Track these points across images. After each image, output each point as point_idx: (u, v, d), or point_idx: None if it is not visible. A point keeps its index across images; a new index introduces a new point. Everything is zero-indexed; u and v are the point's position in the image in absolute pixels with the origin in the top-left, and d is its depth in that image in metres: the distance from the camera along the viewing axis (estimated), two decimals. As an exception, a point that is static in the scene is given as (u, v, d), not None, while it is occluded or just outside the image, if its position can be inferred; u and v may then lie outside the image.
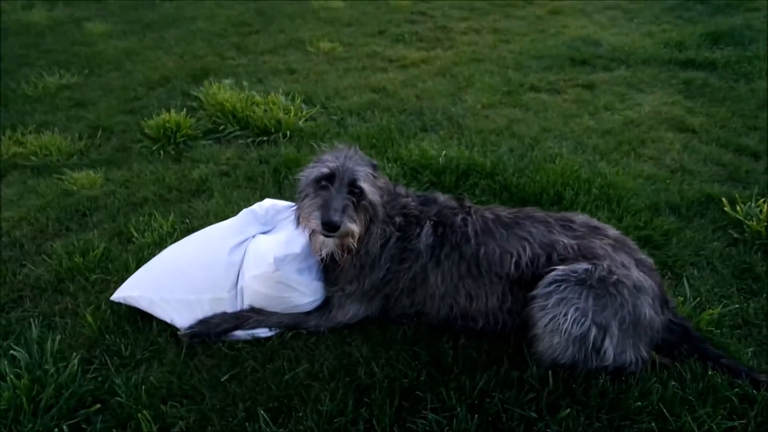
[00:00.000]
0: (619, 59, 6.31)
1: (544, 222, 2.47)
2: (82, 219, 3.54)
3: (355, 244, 2.35)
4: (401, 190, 2.64)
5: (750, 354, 2.45)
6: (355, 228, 2.28)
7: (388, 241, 2.43)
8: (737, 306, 2.72)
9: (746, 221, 3.33)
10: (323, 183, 2.30)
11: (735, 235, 3.29)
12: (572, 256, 2.32)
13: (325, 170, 2.29)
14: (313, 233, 2.38)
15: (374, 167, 2.46)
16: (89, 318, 2.60)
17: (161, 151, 4.29)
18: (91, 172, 4.00)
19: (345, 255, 2.40)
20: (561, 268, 2.26)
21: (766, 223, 3.24)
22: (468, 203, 2.60)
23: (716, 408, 2.14)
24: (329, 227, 2.20)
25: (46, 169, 4.13)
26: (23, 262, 3.10)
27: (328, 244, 2.34)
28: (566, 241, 2.37)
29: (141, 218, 3.42)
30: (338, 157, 2.35)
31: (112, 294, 2.69)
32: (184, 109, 4.71)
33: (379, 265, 2.47)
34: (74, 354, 2.41)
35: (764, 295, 2.81)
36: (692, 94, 5.46)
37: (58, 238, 3.33)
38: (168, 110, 4.60)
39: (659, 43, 6.69)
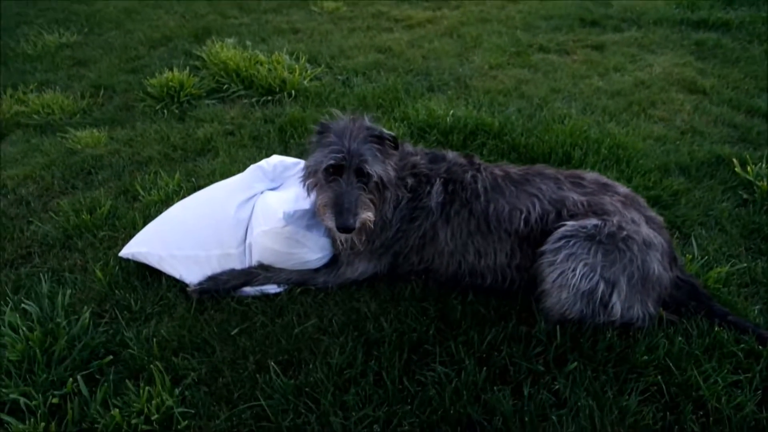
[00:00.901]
0: (630, 20, 6.17)
1: (554, 179, 2.45)
2: (87, 177, 3.53)
3: (372, 224, 2.34)
4: (409, 147, 2.61)
5: (756, 312, 2.46)
6: (370, 215, 2.27)
7: (399, 203, 2.42)
8: (745, 265, 2.72)
9: (756, 182, 3.31)
10: (332, 173, 2.26)
11: (744, 196, 3.27)
12: (582, 212, 2.31)
13: (332, 162, 2.24)
14: (329, 228, 2.36)
15: (381, 138, 2.36)
16: (99, 273, 2.61)
17: (165, 111, 4.24)
18: (94, 130, 3.97)
19: (364, 236, 2.39)
20: (570, 224, 2.25)
21: (776, 184, 3.22)
22: (477, 160, 2.57)
23: (722, 363, 2.16)
24: (345, 230, 2.21)
25: (49, 128, 4.10)
26: (30, 219, 3.10)
27: (348, 237, 2.33)
28: (576, 197, 2.36)
29: (147, 176, 3.41)
30: (343, 137, 2.28)
31: (120, 250, 2.70)
32: (187, 69, 4.65)
33: (390, 225, 2.47)
34: (85, 308, 2.43)
35: (772, 255, 2.81)
36: (704, 56, 5.36)
37: (64, 196, 3.33)
38: (171, 69, 4.54)
39: (671, 3, 6.54)
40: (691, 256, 2.70)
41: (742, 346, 2.22)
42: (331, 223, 2.23)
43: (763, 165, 3.43)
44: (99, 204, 3.14)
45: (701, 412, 1.99)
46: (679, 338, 2.25)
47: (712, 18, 5.98)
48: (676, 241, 2.88)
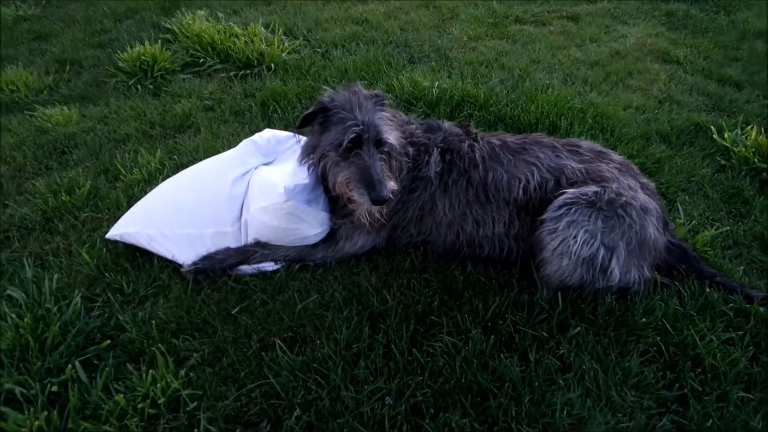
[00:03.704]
0: (602, -10, 6.19)
1: (552, 147, 2.47)
2: (61, 157, 3.37)
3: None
4: (403, 116, 2.58)
5: (741, 272, 2.57)
6: (394, 185, 2.23)
7: (401, 172, 2.39)
8: (728, 228, 2.82)
9: (733, 148, 3.41)
10: (351, 147, 2.21)
11: (723, 162, 3.37)
12: (581, 180, 2.34)
13: (353, 135, 2.19)
14: (354, 203, 2.28)
15: (382, 100, 2.37)
16: (86, 256, 2.51)
17: (138, 86, 4.06)
18: (64, 108, 3.78)
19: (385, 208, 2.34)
20: (571, 191, 2.27)
21: (753, 150, 3.32)
22: (473, 130, 2.56)
23: (715, 322, 2.25)
24: (380, 202, 2.16)
25: (16, 106, 3.88)
26: (5, 202, 2.95)
27: (375, 210, 2.28)
28: (575, 165, 2.38)
29: (126, 155, 3.28)
30: (354, 110, 2.23)
31: (106, 232, 2.60)
32: (159, 42, 4.45)
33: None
34: (76, 292, 2.34)
35: (752, 218, 2.92)
36: (675, 26, 5.45)
37: (39, 177, 3.17)
38: (141, 43, 4.33)
39: (641, -27, 6.57)
40: (680, 221, 2.77)
41: (731, 305, 2.31)
42: (362, 198, 2.19)
43: (738, 131, 3.54)
44: (78, 184, 3.00)
45: (699, 370, 2.08)
46: (674, 300, 2.32)
47: (681, -12, 6.07)
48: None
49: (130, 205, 2.72)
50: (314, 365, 2.06)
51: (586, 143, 2.51)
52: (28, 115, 3.73)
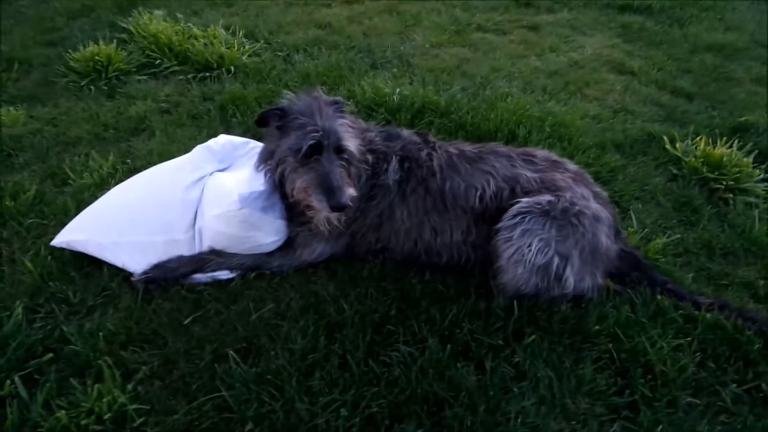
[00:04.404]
0: (562, 1, 6.33)
1: (507, 156, 2.49)
2: (7, 160, 3.21)
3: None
4: (363, 124, 2.57)
5: (690, 279, 2.64)
6: (353, 192, 2.22)
7: (359, 180, 2.37)
8: (679, 236, 2.90)
9: (684, 158, 3.53)
10: (311, 154, 2.18)
11: (674, 171, 3.47)
12: (535, 189, 2.37)
13: (312, 142, 2.17)
14: (312, 209, 2.27)
15: (343, 107, 2.36)
16: (29, 265, 2.40)
17: (91, 87, 3.92)
18: (11, 108, 3.62)
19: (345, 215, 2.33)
20: (525, 200, 2.30)
21: (702, 160, 3.44)
22: (432, 138, 2.57)
23: (665, 329, 2.30)
24: (339, 209, 2.15)
25: (-42, 105, 3.70)
26: (-58, 208, 2.79)
27: (334, 217, 2.27)
28: (529, 174, 2.41)
29: (76, 158, 3.16)
30: (314, 116, 2.21)
31: (51, 239, 2.50)
32: (114, 42, 4.31)
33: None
34: (17, 303, 2.23)
35: (701, 226, 3.01)
36: (630, 38, 5.60)
37: (-20, 181, 3.02)
38: (96, 42, 4.20)
39: (599, -15, 6.75)
40: (632, 229, 2.84)
41: (681, 312, 2.37)
42: (321, 204, 2.16)
43: (689, 142, 3.66)
44: (23, 189, 2.87)
45: (649, 376, 2.12)
46: (626, 307, 2.37)
47: (635, 2, 6.24)
48: (616, 215, 3.02)
49: (78, 211, 2.61)
50: (268, 377, 2.01)
51: (541, 153, 2.54)
52: (-29, 115, 3.56)
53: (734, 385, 2.12)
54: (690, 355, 2.20)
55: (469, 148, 2.54)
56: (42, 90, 3.94)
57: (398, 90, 3.84)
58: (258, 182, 2.34)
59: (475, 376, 2.05)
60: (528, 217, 2.25)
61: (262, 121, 2.32)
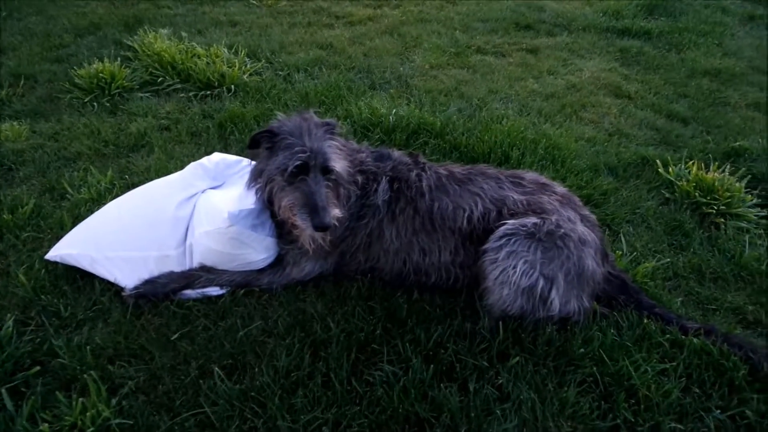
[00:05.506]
0: (561, 25, 6.43)
1: (496, 178, 2.52)
2: (8, 173, 3.28)
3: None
4: (355, 145, 2.61)
5: (679, 303, 2.65)
6: (338, 213, 2.26)
7: (349, 200, 2.40)
8: (668, 260, 2.91)
9: (677, 182, 3.55)
10: (297, 173, 2.22)
11: (667, 195, 3.49)
12: (522, 211, 2.39)
13: (299, 162, 2.21)
14: (297, 228, 2.31)
15: (333, 129, 2.39)
16: (22, 278, 2.44)
17: (94, 103, 4.01)
18: (15, 123, 3.69)
19: (330, 235, 2.37)
20: (511, 222, 2.32)
21: (694, 184, 3.46)
22: (422, 159, 2.61)
23: (650, 353, 2.30)
24: (322, 229, 2.18)
25: (-37, 120, 3.78)
26: (-58, 220, 2.85)
27: (318, 236, 2.30)
28: (516, 196, 2.44)
29: (75, 173, 3.22)
30: (303, 136, 2.25)
31: (46, 252, 2.54)
32: (118, 59, 4.41)
33: (339, 223, 2.45)
34: (8, 315, 2.26)
35: (691, 250, 3.02)
36: (628, 62, 5.66)
37: (-19, 194, 3.08)
38: (101, 60, 4.29)
39: (598, 11, 6.86)
40: (621, 253, 2.85)
41: (668, 336, 2.37)
42: (304, 223, 2.20)
43: (682, 166, 3.68)
44: (21, 203, 2.92)
45: (633, 400, 2.12)
46: (612, 331, 2.37)
47: (635, 27, 6.33)
48: (606, 237, 3.04)
49: (74, 225, 2.66)
50: (252, 394, 2.03)
51: (529, 175, 2.57)
52: (-24, 129, 3.63)
53: (718, 411, 2.11)
54: (675, 380, 2.20)
55: (458, 169, 2.58)
56: (46, 105, 4.03)
57: (394, 110, 3.90)
58: (249, 200, 2.38)
59: (458, 397, 2.06)
60: (513, 239, 2.27)
61: (254, 144, 2.37)
